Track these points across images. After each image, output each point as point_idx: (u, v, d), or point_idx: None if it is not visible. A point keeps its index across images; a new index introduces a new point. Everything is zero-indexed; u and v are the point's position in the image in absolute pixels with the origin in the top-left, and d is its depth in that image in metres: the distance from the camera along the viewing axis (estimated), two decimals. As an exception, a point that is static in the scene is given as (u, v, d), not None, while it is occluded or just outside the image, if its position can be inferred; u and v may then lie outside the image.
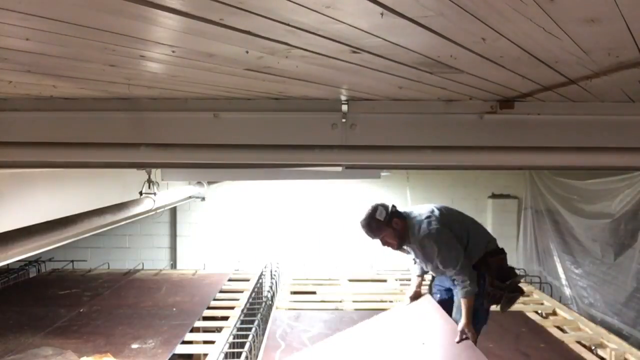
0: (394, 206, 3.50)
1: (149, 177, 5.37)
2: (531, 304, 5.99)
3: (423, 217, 3.43)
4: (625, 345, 4.63)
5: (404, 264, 7.94)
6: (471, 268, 3.34)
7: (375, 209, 3.41)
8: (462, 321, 3.30)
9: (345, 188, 9.08)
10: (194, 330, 4.94)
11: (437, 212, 3.46)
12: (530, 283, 6.94)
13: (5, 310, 5.34)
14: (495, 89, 2.36)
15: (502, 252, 3.50)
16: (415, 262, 3.77)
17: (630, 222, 6.25)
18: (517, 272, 3.60)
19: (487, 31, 1.46)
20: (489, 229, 9.27)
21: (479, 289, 3.34)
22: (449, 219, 3.47)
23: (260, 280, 6.41)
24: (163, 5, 1.28)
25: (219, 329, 4.96)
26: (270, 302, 5.77)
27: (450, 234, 3.38)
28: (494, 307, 3.58)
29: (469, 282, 3.30)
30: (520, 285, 3.54)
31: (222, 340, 4.45)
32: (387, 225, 3.40)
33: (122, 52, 1.70)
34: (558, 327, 5.16)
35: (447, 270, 3.39)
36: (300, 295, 6.29)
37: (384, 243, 3.50)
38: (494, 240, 3.56)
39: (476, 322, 3.37)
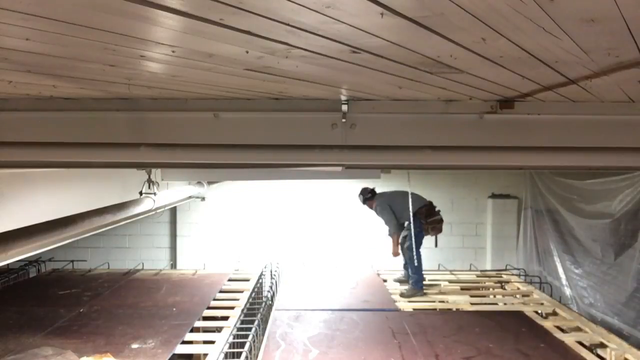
0: (373, 190, 6.78)
1: (149, 177, 5.37)
2: (531, 304, 5.99)
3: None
4: (625, 345, 4.62)
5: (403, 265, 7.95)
6: (395, 221, 6.46)
7: (361, 192, 6.83)
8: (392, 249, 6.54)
9: (345, 188, 9.08)
10: (194, 330, 4.94)
11: (382, 194, 6.74)
12: (530, 283, 6.95)
13: (5, 310, 5.34)
14: (495, 89, 2.36)
15: (428, 205, 6.41)
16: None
17: (630, 222, 6.25)
18: (438, 214, 6.47)
19: (487, 31, 1.46)
20: (489, 228, 9.30)
21: (416, 225, 6.16)
22: (390, 197, 6.58)
23: (260, 280, 6.41)
24: (163, 5, 1.28)
25: (219, 329, 4.96)
26: (270, 302, 5.77)
27: (385, 205, 6.52)
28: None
29: (390, 229, 6.50)
30: (438, 219, 6.44)
31: (222, 340, 4.45)
32: (364, 204, 6.81)
33: (122, 52, 1.70)
34: (558, 327, 5.16)
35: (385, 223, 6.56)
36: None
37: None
38: (426, 201, 6.45)
39: (417, 243, 6.22)
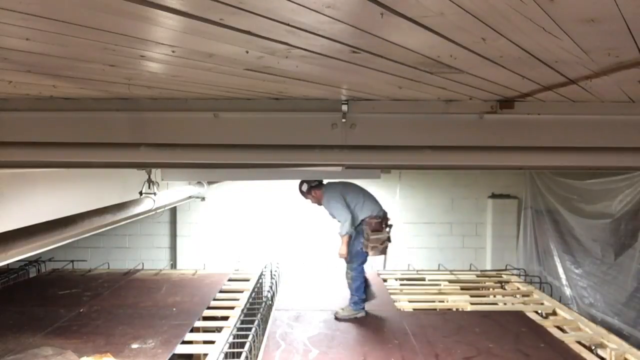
0: (319, 182, 5.49)
1: (149, 177, 5.37)
2: (531, 304, 5.99)
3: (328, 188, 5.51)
4: (625, 345, 4.63)
5: (403, 264, 7.95)
6: (349, 220, 5.21)
7: (300, 184, 5.55)
8: (339, 249, 5.34)
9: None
10: (194, 330, 4.94)
11: (335, 185, 5.51)
12: (530, 283, 6.95)
13: (5, 310, 5.34)
14: (495, 89, 2.36)
15: (378, 218, 5.26)
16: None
17: (630, 222, 6.25)
18: (387, 231, 5.33)
19: (487, 31, 1.46)
20: (489, 228, 9.29)
21: (360, 237, 5.26)
22: (344, 189, 5.41)
23: (260, 280, 6.41)
24: (163, 5, 1.28)
25: (219, 329, 4.96)
26: (270, 302, 5.77)
27: (339, 197, 5.32)
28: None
29: (341, 226, 5.26)
30: (383, 238, 5.25)
31: (222, 340, 4.45)
32: (308, 193, 5.54)
33: (122, 52, 1.70)
34: (558, 327, 5.16)
35: (334, 217, 5.38)
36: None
37: (312, 202, 5.66)
38: (380, 210, 5.33)
39: (355, 260, 5.35)
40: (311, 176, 5.90)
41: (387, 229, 5.31)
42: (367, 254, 5.34)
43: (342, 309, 5.42)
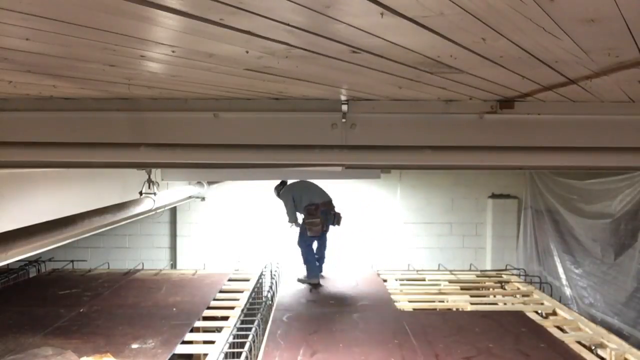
0: (284, 182, 7.01)
1: (149, 177, 5.37)
2: (531, 304, 5.99)
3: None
4: (625, 345, 4.62)
5: (403, 264, 7.95)
6: (293, 212, 6.83)
7: (276, 186, 7.10)
8: None
9: (345, 188, 9.08)
10: (194, 330, 4.94)
11: (289, 187, 6.95)
12: (530, 283, 6.95)
13: (5, 310, 5.34)
14: (495, 89, 2.36)
15: (313, 205, 6.64)
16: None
17: (630, 222, 6.25)
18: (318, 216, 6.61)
19: (487, 31, 1.46)
20: (489, 228, 9.28)
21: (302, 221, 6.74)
22: (294, 190, 6.83)
23: (260, 280, 6.41)
24: (163, 5, 1.28)
25: (219, 329, 4.96)
26: (270, 302, 5.77)
27: (289, 195, 6.82)
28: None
29: (288, 217, 6.87)
30: (316, 222, 6.60)
31: (222, 340, 4.45)
32: (279, 196, 7.05)
33: (122, 52, 1.70)
34: (558, 327, 5.16)
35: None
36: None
37: None
38: (317, 200, 6.69)
39: (300, 238, 6.77)
40: (311, 176, 6.27)
41: (320, 214, 6.61)
42: (306, 237, 6.70)
43: (303, 276, 6.76)
